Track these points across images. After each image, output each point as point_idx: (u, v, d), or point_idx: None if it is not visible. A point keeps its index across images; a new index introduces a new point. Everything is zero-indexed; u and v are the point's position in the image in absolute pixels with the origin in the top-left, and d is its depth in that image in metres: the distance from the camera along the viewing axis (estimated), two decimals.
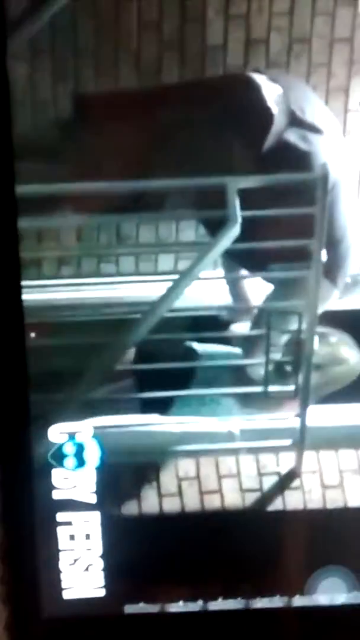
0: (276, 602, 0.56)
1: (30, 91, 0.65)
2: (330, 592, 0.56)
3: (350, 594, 0.55)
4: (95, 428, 0.47)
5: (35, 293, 0.59)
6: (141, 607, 0.45)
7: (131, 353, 0.67)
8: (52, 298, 0.66)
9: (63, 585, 0.32)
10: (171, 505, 0.52)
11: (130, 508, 0.50)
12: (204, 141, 0.63)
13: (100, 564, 0.34)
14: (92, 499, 0.34)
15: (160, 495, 0.53)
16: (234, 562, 0.55)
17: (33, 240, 0.64)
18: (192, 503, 0.53)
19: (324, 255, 0.60)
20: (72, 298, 0.67)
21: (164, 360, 0.63)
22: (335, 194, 0.65)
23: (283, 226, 0.61)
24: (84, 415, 0.51)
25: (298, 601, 0.56)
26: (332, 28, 0.67)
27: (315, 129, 0.63)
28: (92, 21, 0.64)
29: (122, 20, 0.62)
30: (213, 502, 0.54)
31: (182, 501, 0.53)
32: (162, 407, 0.66)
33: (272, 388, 0.59)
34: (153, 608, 0.50)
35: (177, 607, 0.52)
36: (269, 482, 0.60)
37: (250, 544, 0.56)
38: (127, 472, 0.50)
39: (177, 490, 0.54)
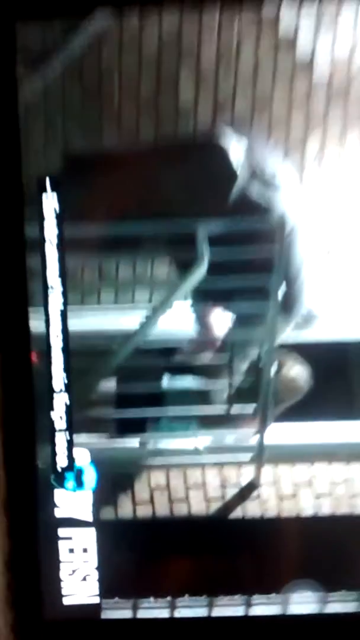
0: (236, 600, 0.60)
1: (25, 147, 0.69)
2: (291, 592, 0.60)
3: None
4: (85, 445, 0.50)
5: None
6: (121, 612, 0.49)
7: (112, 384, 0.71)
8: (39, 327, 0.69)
9: (63, 592, 0.34)
10: (145, 511, 0.56)
11: (108, 514, 0.54)
12: (180, 194, 0.68)
13: (95, 574, 0.36)
14: (89, 517, 0.37)
15: (134, 503, 0.57)
16: (200, 563, 0.59)
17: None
18: (163, 510, 0.58)
19: (281, 293, 0.66)
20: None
21: (140, 389, 0.67)
22: (292, 239, 0.70)
23: (246, 267, 0.66)
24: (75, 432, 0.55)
25: (256, 600, 0.60)
26: (291, 91, 0.73)
27: (274, 184, 0.69)
28: (79, 88, 0.68)
29: (105, 86, 0.66)
30: (181, 510, 0.59)
31: (154, 508, 0.57)
32: (139, 429, 0.70)
33: (234, 409, 0.64)
34: (127, 604, 0.54)
35: (148, 602, 0.56)
36: (231, 492, 0.65)
37: (215, 548, 0.60)
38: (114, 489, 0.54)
39: (149, 499, 0.58)
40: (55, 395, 0.32)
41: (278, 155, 0.68)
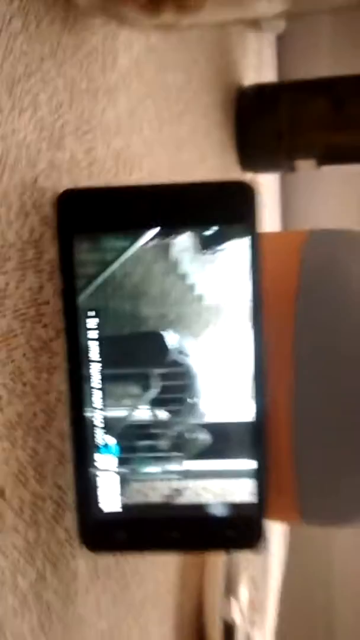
0: None
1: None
2: None
3: None
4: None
5: None
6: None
7: None
8: None
9: (99, 501, 0.47)
10: None
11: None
12: (142, 355, 0.83)
13: (118, 492, 0.48)
14: (115, 466, 0.49)
15: None
16: None
17: None
18: None
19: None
20: None
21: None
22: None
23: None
24: None
25: None
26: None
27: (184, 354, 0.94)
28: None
29: None
30: None
31: None
32: None
33: None
34: None
35: None
36: None
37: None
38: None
39: None
40: (96, 414, 0.45)
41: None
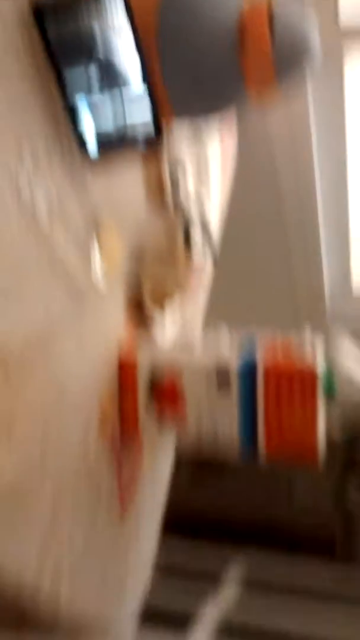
0: None
1: None
2: None
3: None
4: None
5: None
6: None
7: None
8: None
9: (85, 135, 0.57)
10: None
11: None
12: None
13: (93, 127, 0.58)
14: (89, 114, 0.57)
15: None
16: None
17: None
18: None
19: None
20: None
21: None
22: None
23: None
24: None
25: None
26: None
27: None
28: None
29: None
30: None
31: None
32: None
33: None
34: None
35: None
36: None
37: None
38: None
39: None
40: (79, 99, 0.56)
41: None
